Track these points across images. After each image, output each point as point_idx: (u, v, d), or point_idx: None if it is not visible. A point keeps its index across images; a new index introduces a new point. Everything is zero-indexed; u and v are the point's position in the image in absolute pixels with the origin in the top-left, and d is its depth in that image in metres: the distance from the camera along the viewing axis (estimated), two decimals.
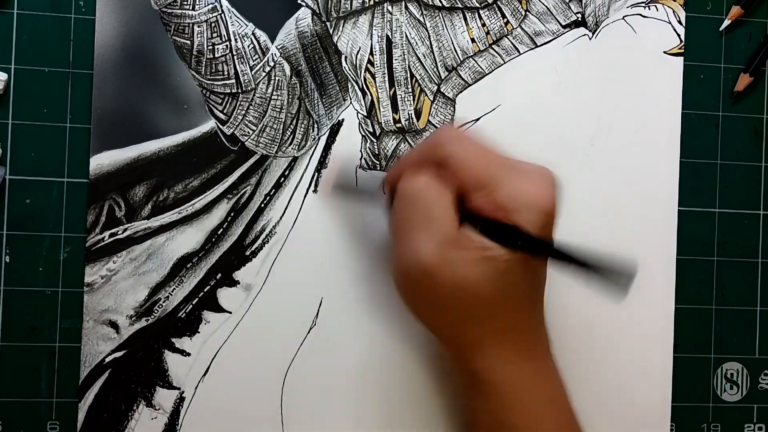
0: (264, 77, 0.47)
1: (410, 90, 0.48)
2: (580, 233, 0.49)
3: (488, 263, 0.39)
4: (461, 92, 0.48)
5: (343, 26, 0.48)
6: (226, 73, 0.46)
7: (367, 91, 0.48)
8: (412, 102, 0.48)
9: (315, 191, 0.47)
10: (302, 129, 0.47)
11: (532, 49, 0.49)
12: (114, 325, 0.45)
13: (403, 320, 0.48)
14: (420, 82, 0.48)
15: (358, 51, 0.48)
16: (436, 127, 0.48)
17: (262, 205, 0.47)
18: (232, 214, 0.47)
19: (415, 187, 0.40)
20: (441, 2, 0.48)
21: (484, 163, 0.40)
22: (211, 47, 0.46)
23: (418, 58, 0.48)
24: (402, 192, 0.41)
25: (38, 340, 0.45)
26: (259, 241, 0.47)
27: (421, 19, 0.48)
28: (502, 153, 0.41)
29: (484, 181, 0.39)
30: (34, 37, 0.45)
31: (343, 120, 0.48)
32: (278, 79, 0.47)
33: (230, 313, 0.47)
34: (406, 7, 0.48)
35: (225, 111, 0.46)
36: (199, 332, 0.46)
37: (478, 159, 0.40)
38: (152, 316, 0.46)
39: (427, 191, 0.40)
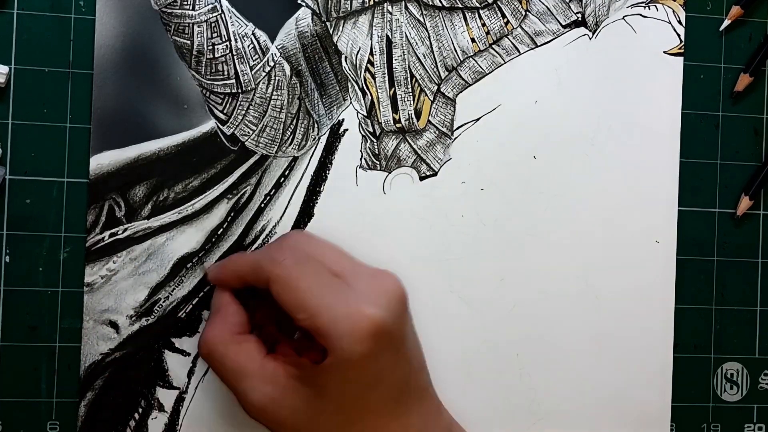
0: (264, 77, 0.47)
1: (410, 90, 0.48)
2: (579, 233, 0.49)
3: (308, 383, 0.39)
4: (461, 92, 0.49)
5: (343, 26, 0.48)
6: (226, 73, 0.46)
7: (367, 91, 0.48)
8: (412, 102, 0.48)
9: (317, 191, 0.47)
10: (302, 129, 0.47)
11: (533, 49, 0.49)
12: (114, 325, 0.45)
13: None
14: (420, 82, 0.48)
15: (358, 51, 0.48)
16: (436, 127, 0.48)
17: (262, 205, 0.47)
18: (232, 214, 0.47)
19: (204, 352, 0.42)
20: (441, 2, 0.48)
21: (309, 285, 0.38)
22: (211, 47, 0.46)
23: (418, 58, 0.48)
24: (202, 355, 0.42)
25: (38, 340, 0.45)
26: (259, 241, 0.47)
27: (421, 19, 0.48)
28: (338, 264, 0.40)
29: (308, 304, 0.38)
30: (34, 37, 0.45)
31: (343, 120, 0.48)
32: (278, 79, 0.47)
33: None
34: (406, 7, 0.48)
35: (225, 111, 0.46)
36: (199, 332, 0.46)
37: (306, 280, 0.39)
38: (152, 316, 0.46)
39: (213, 352, 0.41)
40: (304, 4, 0.47)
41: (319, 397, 0.39)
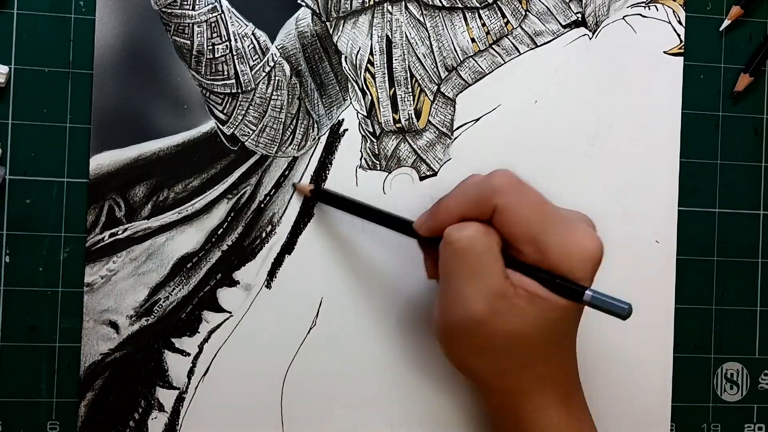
0: (264, 77, 0.47)
1: (410, 90, 0.48)
2: None
3: (538, 313, 0.39)
4: (461, 92, 0.48)
5: (343, 26, 0.48)
6: (226, 73, 0.46)
7: (367, 91, 0.48)
8: (412, 102, 0.48)
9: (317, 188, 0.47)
10: (302, 129, 0.47)
11: (533, 49, 0.49)
12: (114, 325, 0.45)
13: (401, 319, 0.48)
14: (420, 82, 0.48)
15: (358, 51, 0.48)
16: (436, 127, 0.48)
17: (262, 205, 0.47)
18: (232, 214, 0.47)
19: (465, 236, 0.40)
20: (441, 2, 0.48)
21: (536, 218, 0.40)
22: (211, 47, 0.46)
23: (418, 58, 0.48)
24: (451, 242, 0.40)
25: (38, 340, 0.45)
26: (259, 241, 0.47)
27: (421, 19, 0.48)
28: (550, 204, 0.41)
29: (536, 237, 0.39)
30: (34, 37, 0.45)
31: (343, 120, 0.48)
32: (278, 79, 0.47)
33: (230, 313, 0.47)
34: (406, 7, 0.48)
35: (225, 111, 0.46)
36: (199, 332, 0.46)
37: (531, 212, 0.40)
38: (152, 316, 0.46)
39: (477, 242, 0.40)
40: (304, 4, 0.47)
41: (540, 328, 0.40)
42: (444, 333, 0.42)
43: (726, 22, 0.51)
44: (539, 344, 0.40)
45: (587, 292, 0.39)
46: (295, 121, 0.47)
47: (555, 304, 0.39)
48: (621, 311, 0.40)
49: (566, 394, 0.42)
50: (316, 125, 0.47)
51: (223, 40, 0.46)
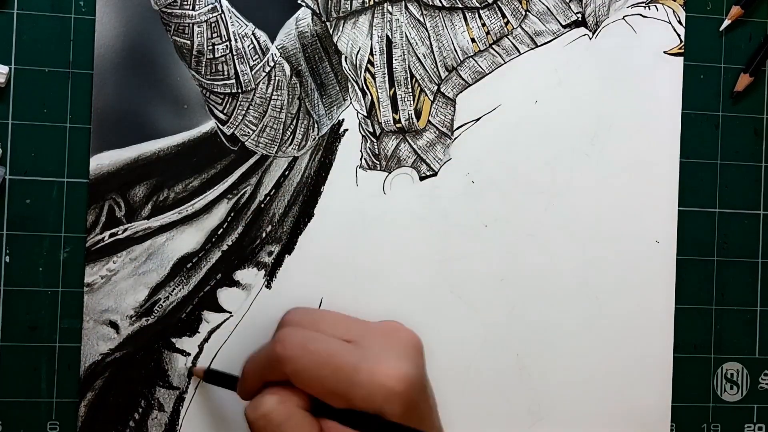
0: (264, 77, 0.47)
1: (410, 90, 0.48)
2: (579, 233, 0.49)
3: None
4: (461, 92, 0.49)
5: (343, 26, 0.48)
6: (226, 73, 0.46)
7: (367, 91, 0.48)
8: (412, 102, 0.48)
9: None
10: (302, 129, 0.47)
11: (533, 49, 0.49)
12: (114, 325, 0.45)
13: (401, 319, 0.48)
14: (420, 82, 0.48)
15: (358, 51, 0.48)
16: (436, 127, 0.48)
17: (262, 205, 0.47)
18: (232, 214, 0.47)
19: (260, 416, 0.38)
20: (441, 2, 0.48)
21: (327, 375, 0.38)
22: (211, 47, 0.46)
23: (418, 58, 0.48)
24: (251, 424, 0.39)
25: (38, 340, 0.45)
26: (259, 241, 0.47)
27: (421, 19, 0.48)
28: (341, 351, 0.39)
29: (335, 391, 0.38)
30: (34, 37, 0.45)
31: (343, 120, 0.48)
32: (278, 79, 0.47)
33: (230, 313, 0.47)
34: (406, 7, 0.48)
35: (225, 111, 0.46)
36: (199, 332, 0.46)
37: (321, 372, 0.38)
38: (152, 316, 0.46)
39: (273, 416, 0.38)
40: (304, 4, 0.47)
41: None
42: None
43: (726, 22, 0.51)
44: None
45: None
46: (295, 121, 0.47)
47: None
48: None
49: None
50: (316, 125, 0.47)
51: (223, 40, 0.46)
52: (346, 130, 0.48)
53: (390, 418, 0.38)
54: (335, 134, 0.48)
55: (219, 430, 0.46)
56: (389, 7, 0.48)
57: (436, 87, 0.48)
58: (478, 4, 0.49)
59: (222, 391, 0.46)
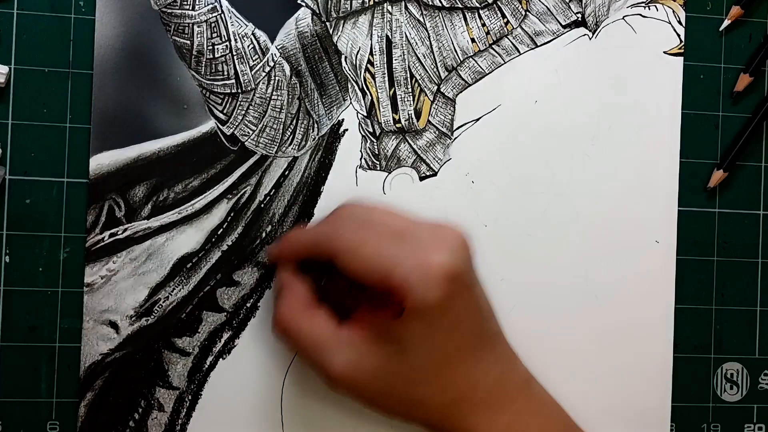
0: (264, 77, 0.47)
1: (410, 90, 0.48)
2: (579, 233, 0.49)
3: (385, 344, 0.39)
4: (461, 92, 0.49)
5: (343, 26, 0.48)
6: (226, 73, 0.46)
7: (367, 91, 0.48)
8: (412, 102, 0.48)
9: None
10: (302, 129, 0.47)
11: (533, 49, 0.49)
12: (114, 325, 0.45)
13: None
14: (420, 82, 0.48)
15: (358, 51, 0.48)
16: (436, 127, 0.48)
17: (262, 205, 0.47)
18: (232, 214, 0.47)
19: (279, 332, 0.42)
20: (441, 2, 0.48)
21: (374, 249, 0.39)
22: (211, 47, 0.46)
23: (418, 58, 0.48)
24: (279, 336, 0.42)
25: (38, 340, 0.45)
26: (259, 241, 0.47)
27: (421, 19, 0.48)
28: (396, 224, 0.40)
29: (376, 267, 0.39)
30: (34, 37, 0.45)
31: (343, 120, 0.48)
32: (278, 79, 0.47)
33: (230, 313, 0.47)
34: (406, 7, 0.48)
35: (225, 111, 0.46)
36: (199, 332, 0.46)
37: (369, 246, 0.39)
38: (152, 316, 0.46)
39: (290, 329, 0.41)
40: (304, 4, 0.47)
41: (399, 353, 0.39)
42: (343, 390, 0.41)
43: (726, 22, 0.51)
44: (417, 372, 0.39)
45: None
46: (295, 121, 0.47)
47: (398, 323, 0.39)
48: None
49: (501, 401, 0.41)
50: (316, 125, 0.47)
51: (223, 40, 0.46)
52: (346, 130, 0.48)
53: (422, 303, 0.38)
54: (335, 134, 0.48)
55: (219, 431, 0.46)
56: (389, 7, 0.48)
57: (436, 87, 0.48)
58: (478, 4, 0.49)
59: (222, 392, 0.46)
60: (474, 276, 0.41)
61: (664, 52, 0.50)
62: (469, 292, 0.40)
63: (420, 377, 0.40)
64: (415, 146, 0.48)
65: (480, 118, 0.49)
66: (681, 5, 0.50)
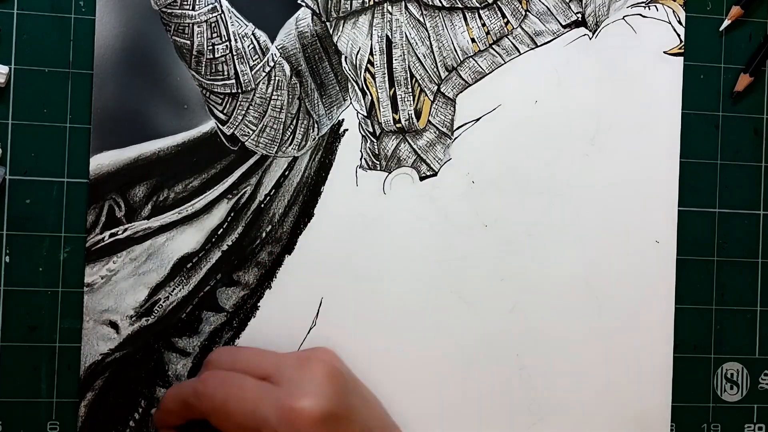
0: (264, 77, 0.47)
1: (410, 90, 0.48)
2: (579, 233, 0.49)
3: None
4: (461, 92, 0.49)
5: (343, 26, 0.48)
6: (226, 73, 0.46)
7: (367, 91, 0.48)
8: (412, 102, 0.48)
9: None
10: (302, 129, 0.47)
11: (533, 49, 0.49)
12: (114, 325, 0.45)
13: (401, 319, 0.48)
14: (420, 82, 0.48)
15: (358, 51, 0.48)
16: (436, 127, 0.48)
17: (262, 205, 0.47)
18: (232, 214, 0.47)
19: None
20: (441, 2, 0.48)
21: (240, 407, 0.39)
22: (211, 47, 0.46)
23: (418, 58, 0.48)
24: None
25: (38, 340, 0.45)
26: (259, 241, 0.47)
27: (421, 19, 0.48)
28: (261, 367, 0.41)
29: (246, 426, 0.39)
30: (34, 37, 0.45)
31: (343, 120, 0.48)
32: (278, 79, 0.47)
33: (230, 313, 0.47)
34: (406, 7, 0.48)
35: (225, 111, 0.46)
36: (199, 332, 0.46)
37: (235, 403, 0.40)
38: (152, 316, 0.46)
39: None
40: (304, 4, 0.47)
41: None
42: None
43: (726, 22, 0.51)
44: None
45: None
46: (295, 121, 0.47)
47: None
48: None
49: None
50: (316, 125, 0.47)
51: (223, 40, 0.46)
52: (346, 130, 0.48)
53: None
54: (335, 134, 0.48)
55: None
56: (389, 7, 0.48)
57: (436, 87, 0.48)
58: (478, 4, 0.49)
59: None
60: (350, 399, 0.41)
61: (664, 52, 0.50)
62: (349, 420, 0.40)
63: None
64: (415, 146, 0.48)
65: (480, 118, 0.49)
66: (681, 5, 0.50)
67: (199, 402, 0.41)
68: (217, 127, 0.46)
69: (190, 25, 0.46)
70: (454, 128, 0.48)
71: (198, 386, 0.41)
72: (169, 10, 0.46)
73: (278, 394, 0.39)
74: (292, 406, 0.38)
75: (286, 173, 0.47)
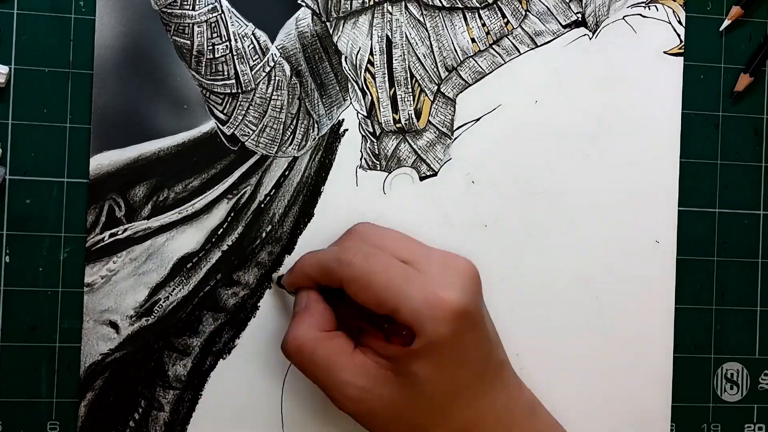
0: (264, 77, 0.47)
1: (410, 90, 0.48)
2: (579, 233, 0.49)
3: (402, 375, 0.39)
4: (461, 92, 0.49)
5: (343, 26, 0.48)
6: (226, 73, 0.46)
7: (367, 91, 0.48)
8: (412, 102, 0.48)
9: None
10: (302, 129, 0.47)
11: (533, 49, 0.49)
12: (114, 325, 0.45)
13: None
14: (420, 82, 0.48)
15: (358, 51, 0.48)
16: (436, 127, 0.48)
17: (262, 205, 0.47)
18: (232, 214, 0.47)
19: (293, 349, 0.41)
20: (441, 2, 0.48)
21: (384, 281, 0.39)
22: (211, 47, 0.46)
23: (418, 58, 0.48)
24: (290, 355, 0.41)
25: (38, 340, 0.45)
26: (259, 241, 0.47)
27: (421, 19, 0.48)
28: (400, 268, 0.40)
29: (386, 299, 0.39)
30: (34, 37, 0.45)
31: (343, 120, 0.48)
32: (278, 79, 0.47)
33: (230, 313, 0.47)
34: (406, 7, 0.48)
35: (225, 111, 0.46)
36: (199, 332, 0.46)
37: (380, 275, 0.39)
38: (152, 316, 0.46)
39: (304, 347, 0.41)
40: (304, 4, 0.47)
41: (410, 385, 0.39)
42: (352, 413, 0.41)
43: (726, 22, 0.51)
44: (427, 403, 0.40)
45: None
46: (295, 121, 0.47)
47: (408, 355, 0.39)
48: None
49: (495, 417, 0.41)
50: (316, 125, 0.47)
51: (223, 40, 0.46)
52: (346, 130, 0.48)
53: (432, 339, 0.38)
54: (335, 134, 0.48)
55: (219, 431, 0.46)
56: (389, 7, 0.48)
57: (436, 87, 0.48)
58: (478, 4, 0.49)
59: (222, 392, 0.46)
60: (483, 309, 0.42)
61: (664, 52, 0.50)
62: (478, 327, 0.40)
63: (428, 409, 0.40)
64: (415, 146, 0.48)
65: (480, 118, 0.49)
66: (681, 5, 0.50)
67: (340, 269, 0.40)
68: (217, 127, 0.46)
69: (190, 25, 0.46)
70: (454, 128, 0.48)
71: (341, 254, 0.41)
72: (169, 10, 0.46)
73: (424, 280, 0.39)
74: (438, 294, 0.38)
75: (286, 173, 0.47)
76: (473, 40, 0.49)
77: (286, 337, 0.42)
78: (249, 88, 0.47)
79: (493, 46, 0.49)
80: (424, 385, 0.39)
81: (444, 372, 0.39)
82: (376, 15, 0.48)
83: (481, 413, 0.41)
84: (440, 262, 0.41)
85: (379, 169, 0.48)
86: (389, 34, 0.48)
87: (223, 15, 0.46)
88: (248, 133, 0.47)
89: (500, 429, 0.41)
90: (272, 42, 0.47)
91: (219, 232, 0.47)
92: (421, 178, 0.48)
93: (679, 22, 0.50)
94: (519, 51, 0.49)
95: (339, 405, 0.41)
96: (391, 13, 0.48)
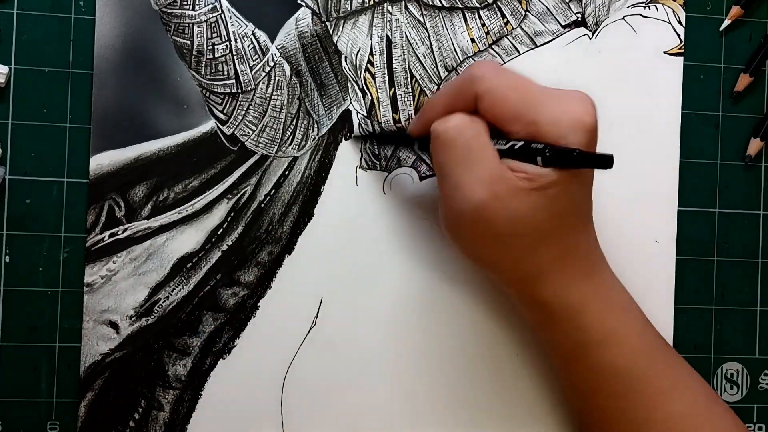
0: (264, 77, 0.47)
1: (410, 90, 0.48)
2: None
3: (537, 192, 0.39)
4: None
5: (343, 26, 0.48)
6: (226, 73, 0.46)
7: (367, 91, 0.48)
8: (412, 102, 0.48)
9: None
10: (302, 129, 0.47)
11: (532, 49, 0.49)
12: (114, 325, 0.45)
13: (401, 319, 0.48)
14: (420, 82, 0.48)
15: (358, 51, 0.48)
16: None
17: (262, 205, 0.47)
18: (232, 214, 0.47)
19: (451, 127, 0.40)
20: (441, 2, 0.48)
21: (520, 95, 0.39)
22: (211, 47, 0.46)
23: (418, 58, 0.48)
24: (438, 135, 0.40)
25: (38, 340, 0.45)
26: (259, 241, 0.47)
27: (421, 19, 0.48)
28: (535, 84, 0.40)
29: (521, 114, 0.39)
30: (34, 37, 0.45)
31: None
32: (278, 79, 0.47)
33: (230, 313, 0.47)
34: (406, 7, 0.48)
35: (225, 111, 0.46)
36: (198, 332, 0.46)
37: (515, 91, 0.39)
38: (152, 316, 0.46)
39: (462, 129, 0.40)
40: (304, 4, 0.47)
41: (544, 207, 0.39)
42: (450, 224, 0.41)
43: (726, 22, 0.51)
44: (546, 225, 0.39)
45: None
46: (295, 121, 0.47)
47: (552, 179, 0.38)
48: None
49: (587, 270, 0.41)
50: (316, 125, 0.48)
51: (223, 40, 0.46)
52: (350, 134, 0.48)
53: (571, 146, 0.38)
54: (335, 134, 0.48)
55: (219, 430, 0.46)
56: (389, 7, 0.48)
57: (436, 87, 0.48)
58: (477, 4, 0.49)
59: (222, 391, 0.46)
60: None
61: (664, 52, 0.50)
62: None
63: (551, 227, 0.40)
64: (415, 146, 0.48)
65: None
66: (681, 5, 0.50)
67: (473, 84, 0.40)
68: (217, 127, 0.46)
69: (190, 25, 0.46)
70: None
71: (472, 70, 0.40)
72: (169, 10, 0.46)
73: (558, 99, 0.39)
74: (573, 109, 0.39)
75: (286, 173, 0.47)
76: (473, 40, 0.49)
77: (445, 123, 0.40)
78: (249, 88, 0.47)
79: (493, 47, 0.49)
80: (557, 208, 0.39)
81: (577, 200, 0.40)
82: (376, 15, 0.48)
83: (573, 248, 0.41)
84: (566, 91, 0.40)
85: (379, 169, 0.48)
86: (389, 34, 0.48)
87: (223, 15, 0.46)
88: (248, 133, 0.47)
89: (589, 266, 0.42)
90: (272, 42, 0.47)
91: (219, 232, 0.47)
92: (421, 178, 0.48)
93: (679, 22, 0.50)
94: (518, 51, 0.49)
95: (455, 209, 0.40)
96: (391, 13, 0.48)
